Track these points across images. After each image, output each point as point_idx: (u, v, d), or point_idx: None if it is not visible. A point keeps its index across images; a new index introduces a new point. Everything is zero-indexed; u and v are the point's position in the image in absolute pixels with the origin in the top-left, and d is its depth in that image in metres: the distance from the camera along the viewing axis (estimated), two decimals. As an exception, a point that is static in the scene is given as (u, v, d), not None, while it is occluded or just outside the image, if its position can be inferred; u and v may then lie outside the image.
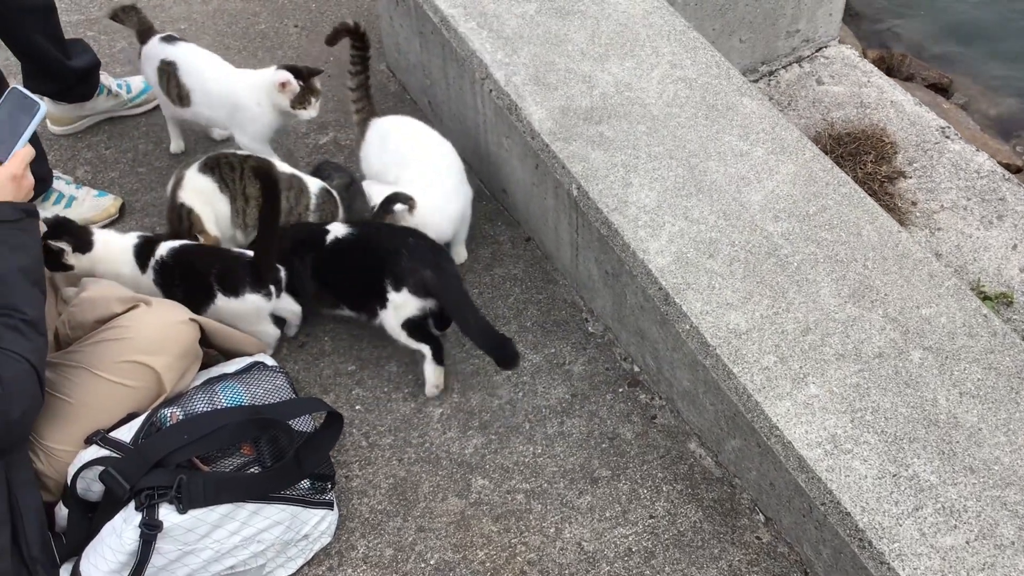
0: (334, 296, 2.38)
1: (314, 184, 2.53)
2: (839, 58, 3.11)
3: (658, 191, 2.23)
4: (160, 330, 2.08)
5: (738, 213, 2.18)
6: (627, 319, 2.33)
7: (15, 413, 1.71)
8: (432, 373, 2.33)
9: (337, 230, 2.35)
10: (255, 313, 2.27)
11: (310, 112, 2.57)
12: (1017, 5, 4.83)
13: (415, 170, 2.44)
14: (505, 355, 2.26)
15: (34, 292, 1.81)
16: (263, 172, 2.24)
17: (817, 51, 3.17)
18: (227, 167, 2.46)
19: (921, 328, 1.96)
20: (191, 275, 2.25)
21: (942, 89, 4.36)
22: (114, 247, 2.29)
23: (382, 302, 2.28)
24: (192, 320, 2.13)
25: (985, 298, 2.47)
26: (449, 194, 2.47)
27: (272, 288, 2.25)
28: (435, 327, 2.37)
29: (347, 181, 2.70)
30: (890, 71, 4.48)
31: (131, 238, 2.32)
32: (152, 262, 2.28)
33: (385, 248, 2.29)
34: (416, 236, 2.34)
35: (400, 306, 2.27)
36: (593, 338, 2.48)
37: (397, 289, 2.25)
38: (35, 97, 1.84)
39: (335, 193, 2.58)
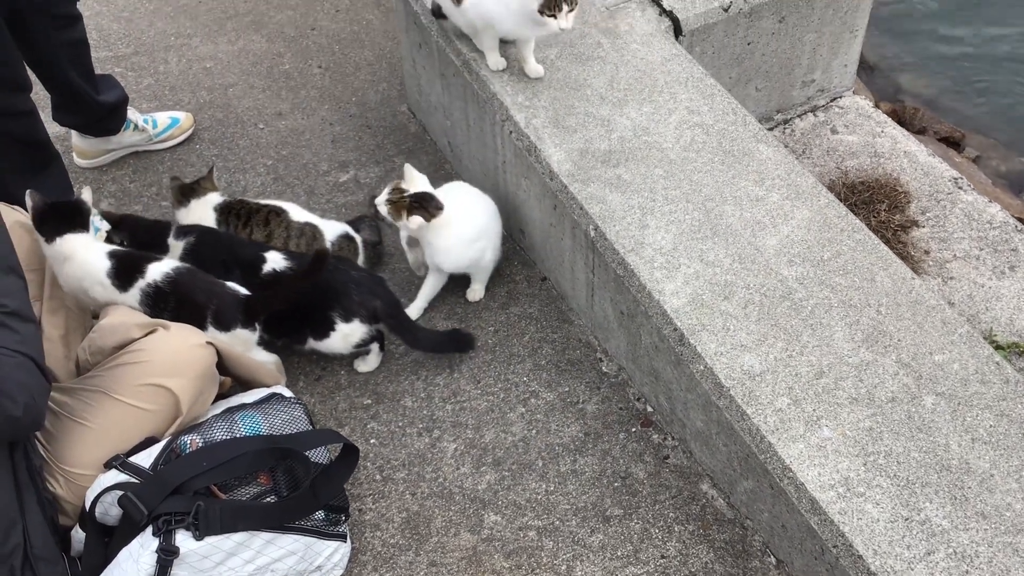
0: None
1: (333, 230, 2.60)
2: (853, 108, 3.16)
3: (674, 233, 2.26)
4: (178, 353, 2.10)
5: (753, 257, 2.21)
6: (641, 359, 2.35)
7: (17, 410, 1.69)
8: (375, 357, 2.53)
9: (275, 261, 2.40)
10: (242, 344, 2.30)
11: (560, 22, 2.28)
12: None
13: (449, 208, 2.48)
14: (462, 344, 2.53)
15: (10, 280, 1.79)
16: (321, 252, 2.29)
17: (832, 101, 3.22)
18: (235, 215, 2.55)
19: (934, 374, 1.98)
20: (188, 305, 2.25)
21: (954, 143, 4.40)
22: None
23: (322, 332, 2.39)
24: (209, 343, 2.15)
25: (997, 347, 2.48)
26: (468, 236, 2.51)
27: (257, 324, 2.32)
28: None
29: (375, 239, 2.77)
30: (903, 124, 4.52)
31: (104, 256, 2.27)
32: (142, 283, 2.25)
33: (333, 284, 2.37)
34: (357, 269, 2.49)
35: (349, 334, 2.40)
36: (607, 378, 2.49)
37: (347, 320, 2.38)
38: None
39: (359, 240, 2.64)
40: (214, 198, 2.60)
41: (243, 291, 2.31)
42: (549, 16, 2.29)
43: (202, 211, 2.57)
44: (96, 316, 2.29)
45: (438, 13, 2.68)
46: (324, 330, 2.38)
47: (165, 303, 2.24)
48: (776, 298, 2.13)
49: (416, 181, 2.45)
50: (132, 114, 3.04)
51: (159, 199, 2.97)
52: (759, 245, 2.23)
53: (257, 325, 2.31)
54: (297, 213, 2.59)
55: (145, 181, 3.04)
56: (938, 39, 5.07)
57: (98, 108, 2.87)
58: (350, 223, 2.75)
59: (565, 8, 2.28)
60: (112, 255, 2.27)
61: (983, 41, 5.05)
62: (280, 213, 2.56)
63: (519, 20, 2.36)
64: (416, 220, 2.38)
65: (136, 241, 2.43)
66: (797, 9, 2.86)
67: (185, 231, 2.47)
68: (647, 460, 2.32)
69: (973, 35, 5.09)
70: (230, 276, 2.35)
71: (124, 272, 2.26)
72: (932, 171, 2.94)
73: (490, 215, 2.62)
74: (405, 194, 2.40)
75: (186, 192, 2.60)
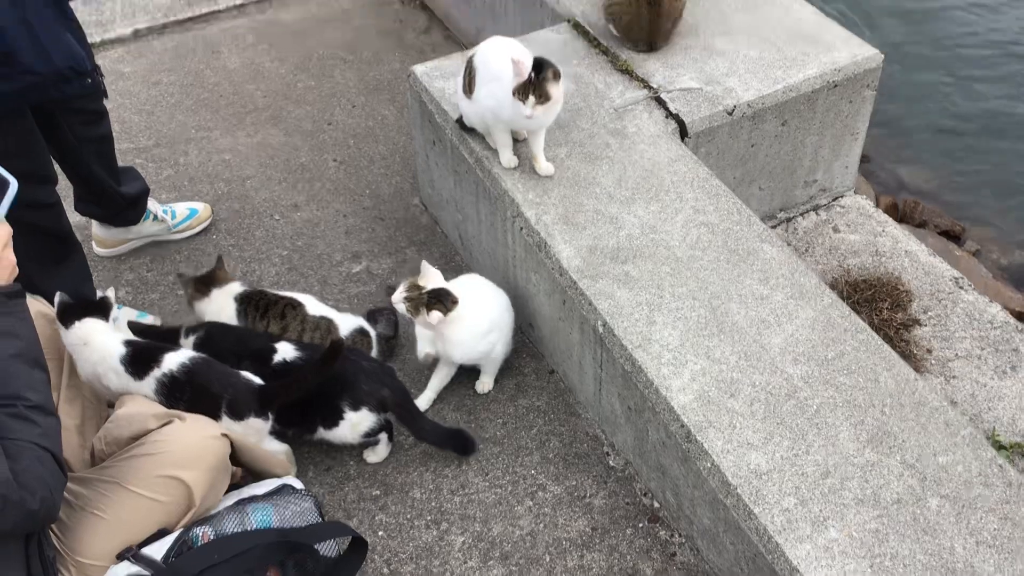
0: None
1: (347, 324, 2.66)
2: (855, 208, 3.24)
3: (681, 330, 2.31)
4: (193, 444, 2.13)
5: (759, 355, 2.25)
6: (648, 455, 2.37)
7: (35, 503, 1.70)
8: (384, 447, 2.56)
9: (286, 351, 2.45)
10: (255, 434, 2.33)
11: (525, 108, 2.43)
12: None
13: (462, 301, 2.53)
14: (465, 446, 2.54)
15: (34, 374, 1.81)
16: (336, 342, 2.34)
17: (833, 200, 3.29)
18: (253, 306, 2.61)
19: (938, 476, 2.00)
20: (203, 394, 2.29)
21: (955, 236, 4.47)
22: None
23: (332, 421, 2.42)
24: (224, 435, 2.18)
25: (1000, 447, 2.50)
26: (481, 329, 2.57)
27: (271, 413, 2.36)
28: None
29: (390, 334, 2.83)
30: (903, 218, 4.61)
31: (119, 343, 2.34)
32: (158, 372, 2.30)
33: (343, 373, 2.40)
34: (366, 358, 2.52)
35: (358, 423, 2.43)
36: (614, 472, 2.51)
37: (355, 409, 2.41)
38: (7, 174, 1.81)
39: (373, 334, 2.70)
40: (235, 287, 2.66)
41: (257, 380, 2.35)
42: (519, 99, 2.43)
43: (224, 301, 2.63)
44: (112, 405, 2.33)
45: (463, 124, 2.78)
46: (333, 419, 2.41)
47: (181, 393, 2.28)
48: (782, 396, 2.16)
49: (431, 277, 2.50)
50: (152, 205, 3.11)
51: (175, 288, 3.03)
52: (764, 343, 2.27)
53: (270, 414, 2.34)
54: (313, 306, 2.64)
55: (162, 270, 3.10)
56: (936, 133, 5.19)
57: (120, 200, 2.95)
58: (368, 315, 2.81)
59: (532, 99, 2.41)
60: (128, 343, 2.32)
61: (981, 135, 5.17)
62: (296, 306, 2.62)
63: (513, 104, 2.47)
64: (435, 315, 2.43)
65: None
66: (799, 113, 2.95)
67: (193, 328, 2.52)
68: (654, 557, 2.32)
69: (971, 129, 5.21)
70: (240, 366, 2.39)
71: (139, 360, 2.31)
72: (933, 270, 2.99)
73: (502, 308, 2.68)
74: (423, 291, 2.46)
75: (206, 282, 2.65)
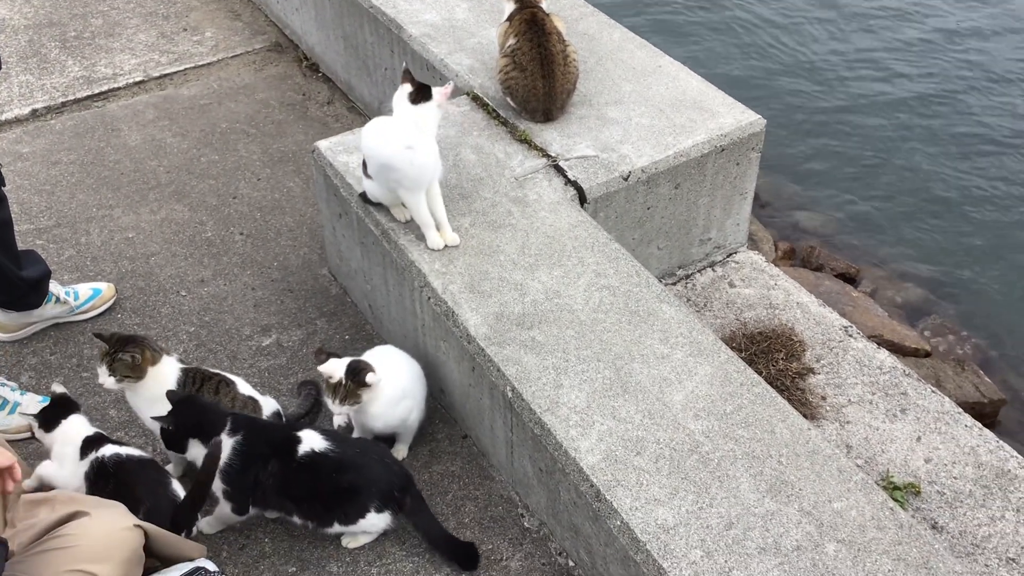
0: (295, 507, 2.43)
1: (268, 407, 2.67)
2: (748, 263, 3.38)
3: (587, 392, 2.38)
4: (106, 537, 2.09)
5: (662, 412, 2.33)
6: (561, 515, 2.43)
7: None
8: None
9: (313, 441, 2.41)
10: None
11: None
12: (913, 199, 5.31)
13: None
14: (473, 560, 2.49)
15: None
16: (212, 455, 2.32)
17: (728, 256, 3.44)
18: (191, 380, 2.60)
19: (834, 521, 2.10)
20: (125, 492, 2.30)
21: (850, 278, 4.70)
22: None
23: (352, 518, 2.42)
24: (137, 526, 2.16)
25: (895, 488, 2.63)
26: (394, 397, 2.60)
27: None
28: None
29: (301, 413, 2.85)
30: (800, 262, 4.83)
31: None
32: (91, 458, 2.36)
33: (374, 472, 2.43)
34: (388, 455, 2.53)
35: (373, 524, 2.43)
36: (529, 533, 2.56)
37: (380, 511, 2.42)
38: None
39: (283, 419, 2.73)
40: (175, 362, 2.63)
41: (182, 496, 2.37)
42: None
43: (169, 371, 2.58)
44: None
45: (367, 199, 2.84)
46: (355, 516, 2.42)
47: (104, 484, 2.31)
48: (685, 451, 2.25)
49: (335, 367, 2.51)
50: (53, 287, 3.07)
51: (80, 371, 2.99)
52: (667, 401, 2.36)
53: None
54: (243, 387, 2.64)
55: (66, 353, 3.06)
56: (830, 177, 5.47)
57: (21, 284, 2.91)
58: (300, 386, 2.90)
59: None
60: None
61: (870, 177, 5.46)
62: (229, 384, 2.62)
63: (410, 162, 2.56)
64: (367, 392, 2.50)
65: None
66: (690, 176, 3.10)
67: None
68: (571, 616, 2.37)
69: (861, 172, 5.50)
70: None
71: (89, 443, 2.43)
72: (823, 320, 3.14)
73: (414, 376, 2.72)
74: (343, 382, 2.48)
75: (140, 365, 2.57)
